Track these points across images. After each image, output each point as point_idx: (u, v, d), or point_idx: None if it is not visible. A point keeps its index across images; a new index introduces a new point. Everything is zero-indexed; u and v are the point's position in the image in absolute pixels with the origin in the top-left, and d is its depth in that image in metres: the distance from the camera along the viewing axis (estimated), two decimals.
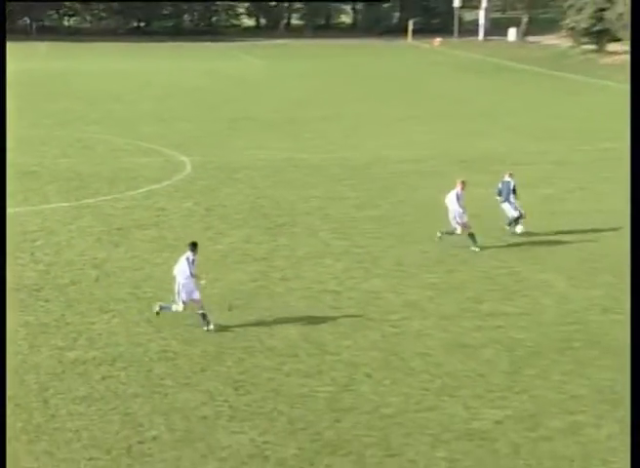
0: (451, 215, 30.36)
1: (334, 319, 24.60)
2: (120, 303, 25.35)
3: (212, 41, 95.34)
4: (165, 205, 35.20)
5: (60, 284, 26.74)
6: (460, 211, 30.00)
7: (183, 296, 23.52)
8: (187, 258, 23.59)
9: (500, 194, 31.67)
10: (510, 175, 31.77)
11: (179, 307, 23.74)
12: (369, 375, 21.44)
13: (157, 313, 24.07)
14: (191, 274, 23.46)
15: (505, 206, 31.49)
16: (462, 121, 53.25)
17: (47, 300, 25.54)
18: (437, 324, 24.36)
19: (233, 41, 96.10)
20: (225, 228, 32.38)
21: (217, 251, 29.84)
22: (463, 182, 30.65)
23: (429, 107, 57.93)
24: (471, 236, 30.03)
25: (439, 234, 30.50)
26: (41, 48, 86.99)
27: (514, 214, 31.32)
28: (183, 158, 42.63)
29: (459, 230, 30.14)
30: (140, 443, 18.40)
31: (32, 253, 29.38)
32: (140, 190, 37.17)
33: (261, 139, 47.46)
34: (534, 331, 23.95)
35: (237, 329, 23.81)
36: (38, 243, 30.45)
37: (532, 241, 30.93)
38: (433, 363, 22.13)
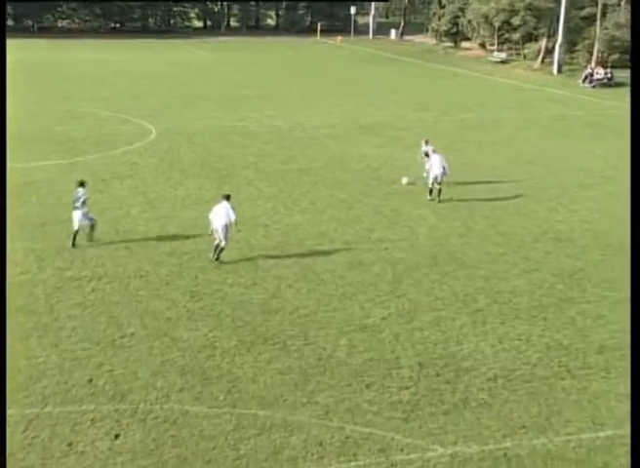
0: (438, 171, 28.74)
1: (265, 245, 24.53)
2: (104, 235, 24.93)
3: (171, 38, 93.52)
4: (137, 161, 34.61)
5: (60, 220, 26.21)
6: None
7: (221, 235, 22.50)
8: (230, 207, 22.35)
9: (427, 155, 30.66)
10: (426, 142, 31.15)
11: (221, 243, 22.63)
12: (290, 286, 21.46)
13: (217, 259, 22.67)
14: (232, 219, 22.32)
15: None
16: (360, 97, 53.04)
17: (50, 233, 25.06)
18: (340, 247, 24.42)
19: (187, 38, 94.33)
20: (183, 178, 31.95)
21: (176, 195, 29.49)
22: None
23: (335, 88, 57.55)
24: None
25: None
26: (41, 43, 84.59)
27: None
28: (150, 126, 41.88)
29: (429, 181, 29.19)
30: (121, 337, 18.28)
31: (38, 198, 28.77)
32: (118, 150, 36.50)
33: (210, 112, 46.79)
34: (410, 252, 24.13)
35: (192, 252, 23.60)
36: (42, 190, 29.80)
37: (411, 186, 31.05)
38: (338, 276, 22.21)
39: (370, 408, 15.58)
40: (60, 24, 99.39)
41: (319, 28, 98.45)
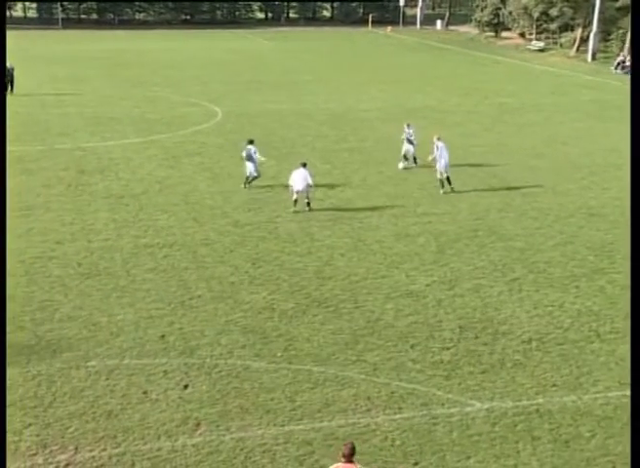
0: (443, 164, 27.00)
1: (319, 217, 24.51)
2: (175, 207, 25.19)
3: (235, 28, 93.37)
4: (205, 140, 34.77)
5: (135, 193, 26.53)
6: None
7: (304, 194, 24.48)
8: (306, 172, 24.46)
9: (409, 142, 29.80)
10: (408, 126, 29.79)
11: (306, 199, 24.67)
12: (343, 255, 21.45)
13: (308, 206, 24.71)
14: (309, 182, 24.46)
15: (408, 147, 29.83)
16: (407, 83, 52.47)
17: (127, 204, 25.37)
18: (389, 220, 24.30)
19: (250, 28, 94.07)
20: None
21: (240, 172, 29.48)
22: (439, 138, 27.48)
23: (384, 74, 56.98)
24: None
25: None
26: (121, 34, 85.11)
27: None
28: (217, 108, 41.98)
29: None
30: (190, 299, 18.46)
31: (116, 173, 29.07)
32: (188, 130, 36.69)
33: (270, 95, 46.72)
34: (453, 225, 23.93)
35: (254, 224, 23.71)
36: (121, 166, 30.12)
37: (452, 166, 30.68)
38: (386, 246, 22.13)
39: (414, 366, 15.55)
40: (137, 17, 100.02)
41: (370, 19, 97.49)
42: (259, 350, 16.06)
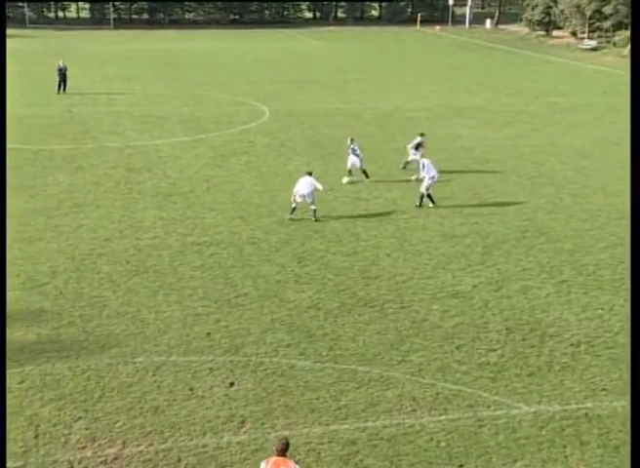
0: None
1: (365, 217, 24.48)
2: (222, 205, 25.38)
3: (284, 28, 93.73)
4: (252, 139, 34.96)
5: (183, 191, 26.80)
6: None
7: (308, 200, 23.64)
8: (312, 179, 23.79)
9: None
10: (352, 141, 28.18)
11: (311, 206, 23.86)
12: (388, 255, 21.39)
13: (315, 220, 23.76)
14: (318, 187, 23.79)
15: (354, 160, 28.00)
16: (455, 83, 52.13)
17: (175, 202, 25.63)
18: (435, 221, 24.17)
19: (298, 28, 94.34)
20: (293, 155, 32.14)
21: (286, 170, 29.67)
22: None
23: (432, 74, 56.71)
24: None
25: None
26: (171, 34, 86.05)
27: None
28: (264, 108, 42.20)
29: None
30: (236, 297, 18.58)
31: (164, 171, 29.40)
32: (236, 129, 36.94)
33: (318, 95, 46.81)
34: (500, 226, 23.70)
35: (299, 223, 23.77)
36: (169, 164, 30.45)
37: (498, 169, 30.41)
38: (432, 247, 22.02)
39: (459, 367, 15.45)
40: (187, 17, 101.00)
41: (419, 19, 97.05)
42: (304, 349, 16.10)
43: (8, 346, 15.70)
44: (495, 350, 16.12)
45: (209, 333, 16.70)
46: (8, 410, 13.52)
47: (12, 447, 12.66)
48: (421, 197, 25.30)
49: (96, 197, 25.98)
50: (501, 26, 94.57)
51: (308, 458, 12.66)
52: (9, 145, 31.84)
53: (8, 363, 15.06)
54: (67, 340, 16.21)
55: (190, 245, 21.86)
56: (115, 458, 12.53)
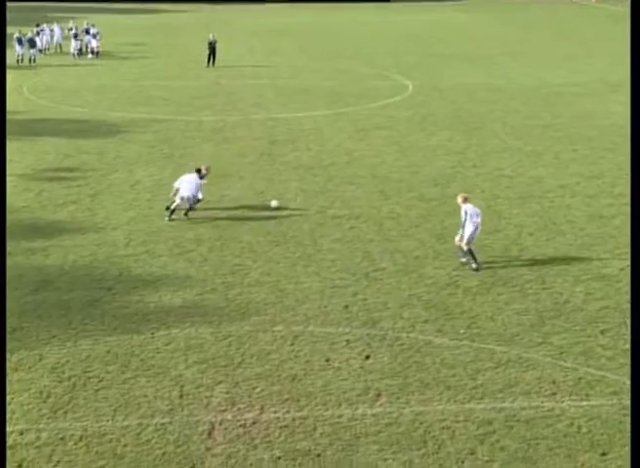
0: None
1: (508, 195, 23.96)
2: (362, 179, 25.46)
3: (428, 0, 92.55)
4: (394, 114, 34.79)
5: (323, 164, 27.07)
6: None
7: (180, 201, 21.25)
8: (199, 180, 21.60)
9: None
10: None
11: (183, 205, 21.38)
12: (531, 234, 20.89)
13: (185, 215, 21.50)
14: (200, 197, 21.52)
15: None
16: (610, 56, 49.88)
17: (315, 175, 25.91)
18: (582, 200, 23.38)
19: (442, 1, 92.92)
20: (435, 130, 31.78)
21: (428, 145, 29.41)
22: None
23: (585, 47, 54.48)
24: None
25: None
26: (318, 6, 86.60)
27: None
28: (407, 82, 41.87)
29: None
30: (374, 271, 18.65)
31: (306, 144, 29.75)
32: (378, 103, 36.86)
33: (461, 69, 46.00)
34: None
35: (440, 199, 23.50)
36: (311, 137, 30.80)
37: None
38: (577, 227, 21.32)
39: (604, 352, 14.94)
40: None
41: None
42: (441, 326, 16.00)
43: (156, 309, 16.49)
44: None
45: (346, 306, 16.86)
46: (156, 370, 14.23)
47: (159, 404, 13.29)
48: (470, 253, 18.78)
49: (239, 168, 26.65)
50: None
51: (443, 435, 12.62)
52: (162, 116, 33.14)
53: (156, 325, 15.81)
54: (210, 306, 16.80)
55: (330, 218, 22.08)
56: (254, 423, 12.92)
